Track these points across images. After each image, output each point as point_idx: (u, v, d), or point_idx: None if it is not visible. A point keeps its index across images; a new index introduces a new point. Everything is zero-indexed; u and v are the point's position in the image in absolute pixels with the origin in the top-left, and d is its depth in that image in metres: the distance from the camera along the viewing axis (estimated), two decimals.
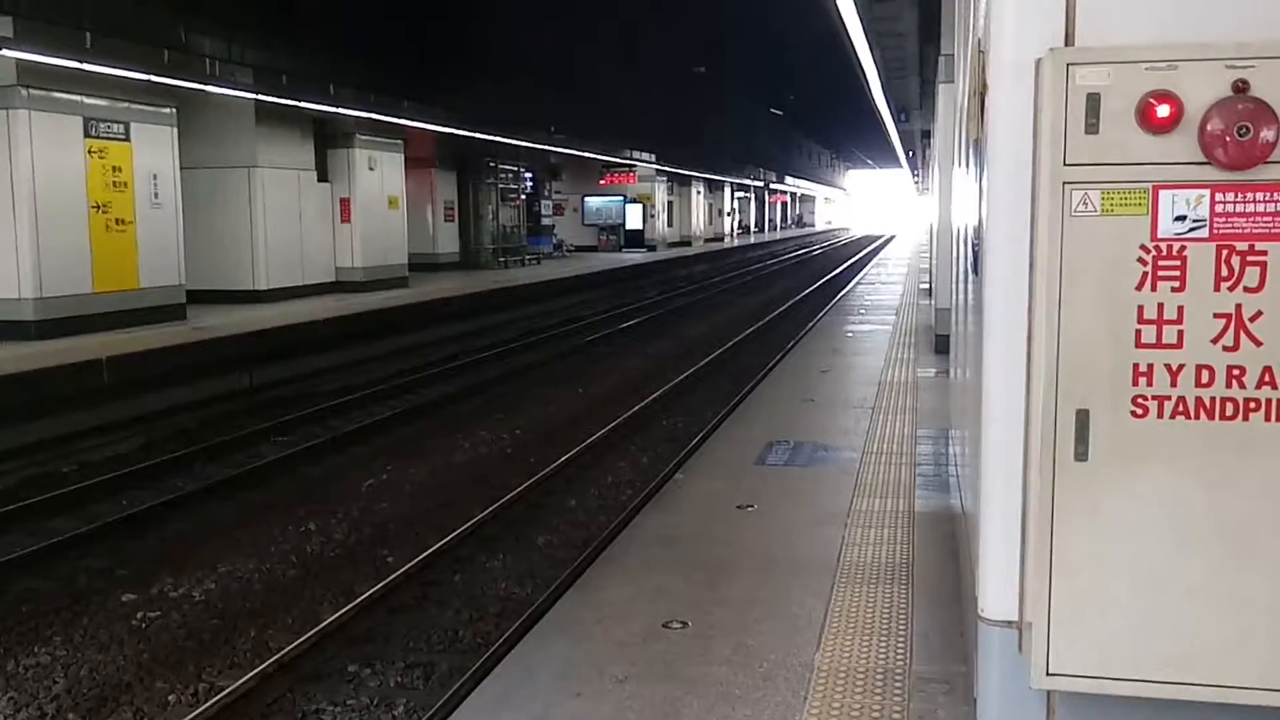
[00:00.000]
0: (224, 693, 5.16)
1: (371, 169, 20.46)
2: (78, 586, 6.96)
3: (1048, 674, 2.80)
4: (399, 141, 21.28)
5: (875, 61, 17.88)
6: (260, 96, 16.61)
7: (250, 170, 17.51)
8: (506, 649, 4.73)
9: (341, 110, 18.37)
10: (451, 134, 22.98)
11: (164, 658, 5.91)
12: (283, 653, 5.59)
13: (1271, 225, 2.57)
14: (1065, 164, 2.66)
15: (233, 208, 17.48)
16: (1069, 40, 2.77)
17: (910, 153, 37.77)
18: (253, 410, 12.17)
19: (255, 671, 5.38)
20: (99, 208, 13.53)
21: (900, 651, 3.92)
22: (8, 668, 5.79)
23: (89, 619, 6.44)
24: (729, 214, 55.42)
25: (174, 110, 14.79)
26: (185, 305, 15.07)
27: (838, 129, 52.07)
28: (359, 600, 6.29)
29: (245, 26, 16.52)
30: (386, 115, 19.66)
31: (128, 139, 13.98)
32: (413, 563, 6.90)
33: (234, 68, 16.35)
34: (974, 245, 3.59)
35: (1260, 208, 2.58)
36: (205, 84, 15.23)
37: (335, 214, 19.84)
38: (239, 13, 16.23)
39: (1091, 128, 2.63)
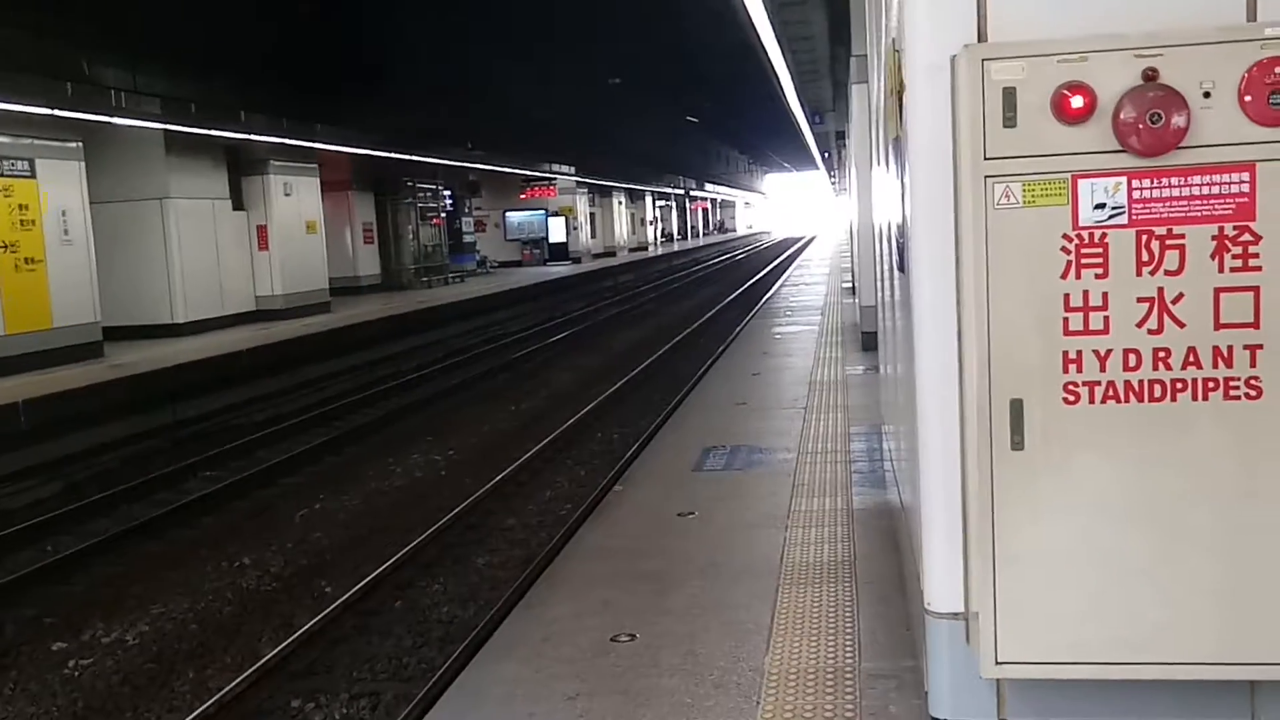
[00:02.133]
0: None
1: (287, 194, 20.13)
2: (5, 637, 6.73)
3: (996, 663, 2.83)
4: (314, 165, 20.99)
5: (787, 65, 18.05)
6: (169, 126, 16.26)
7: (163, 201, 17.12)
8: (453, 674, 4.66)
9: (253, 137, 18.07)
10: (367, 155, 22.74)
11: (100, 705, 5.73)
12: (223, 692, 5.45)
13: (1188, 209, 2.63)
14: (985, 158, 2.70)
15: (147, 240, 17.07)
16: (982, 37, 2.81)
17: (826, 154, 38.21)
18: (177, 446, 11.89)
19: (195, 714, 5.24)
20: (6, 247, 13.11)
21: (849, 649, 3.93)
22: None
23: (18, 670, 6.22)
24: (651, 223, 55.61)
25: (80, 144, 14.40)
26: (102, 343, 14.66)
27: (754, 134, 52.52)
28: (299, 633, 6.16)
29: (150, 56, 16.16)
30: (299, 140, 19.38)
31: (33, 175, 13.56)
32: (351, 592, 6.78)
33: (140, 98, 15.96)
34: (899, 242, 3.62)
35: (1176, 192, 2.63)
36: (111, 116, 14.86)
37: (253, 242, 19.49)
38: (143, 43, 15.87)
39: (1009, 121, 2.67)
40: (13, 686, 6.01)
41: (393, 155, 23.45)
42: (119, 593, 7.40)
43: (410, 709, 5.11)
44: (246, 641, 6.45)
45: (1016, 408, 2.75)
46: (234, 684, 5.52)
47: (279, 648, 5.97)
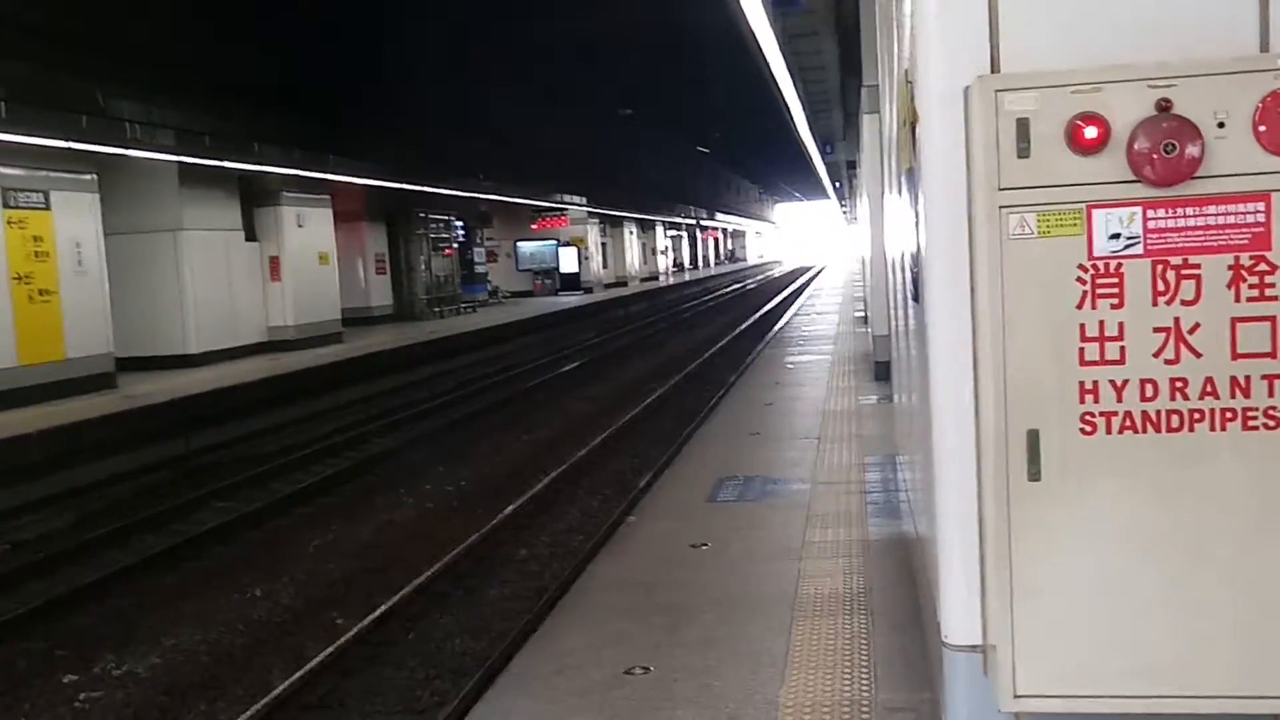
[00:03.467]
0: None
1: (300, 225, 20.24)
2: (16, 670, 6.71)
3: (1015, 696, 2.80)
4: (326, 196, 21.11)
5: (799, 95, 18.15)
6: (182, 158, 16.39)
7: (176, 233, 17.24)
8: (465, 706, 4.63)
9: (266, 168, 18.20)
10: (380, 186, 22.87)
11: None
12: None
13: (1203, 239, 2.62)
14: (1000, 188, 2.70)
15: (160, 271, 17.17)
16: (995, 67, 2.81)
17: (837, 184, 38.31)
18: (190, 477, 11.90)
19: None
20: (21, 279, 13.20)
21: (864, 682, 3.90)
22: None
23: (30, 704, 6.21)
24: (663, 252, 55.73)
25: (95, 176, 14.52)
26: (115, 374, 14.73)
27: (765, 164, 52.79)
28: (310, 665, 6.14)
29: (164, 88, 16.32)
30: (312, 171, 19.52)
31: (48, 207, 13.68)
32: (364, 623, 6.76)
33: (154, 130, 16.12)
34: (913, 272, 3.62)
35: (1191, 222, 2.63)
36: (126, 148, 14.99)
37: (265, 273, 19.59)
38: (157, 74, 16.03)
39: (1023, 152, 2.67)
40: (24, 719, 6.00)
41: (404, 186, 23.59)
42: (130, 625, 7.39)
43: None
44: (259, 674, 6.43)
45: (1033, 438, 2.74)
46: (245, 716, 5.50)
47: (290, 679, 5.94)
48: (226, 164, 17.12)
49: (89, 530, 9.69)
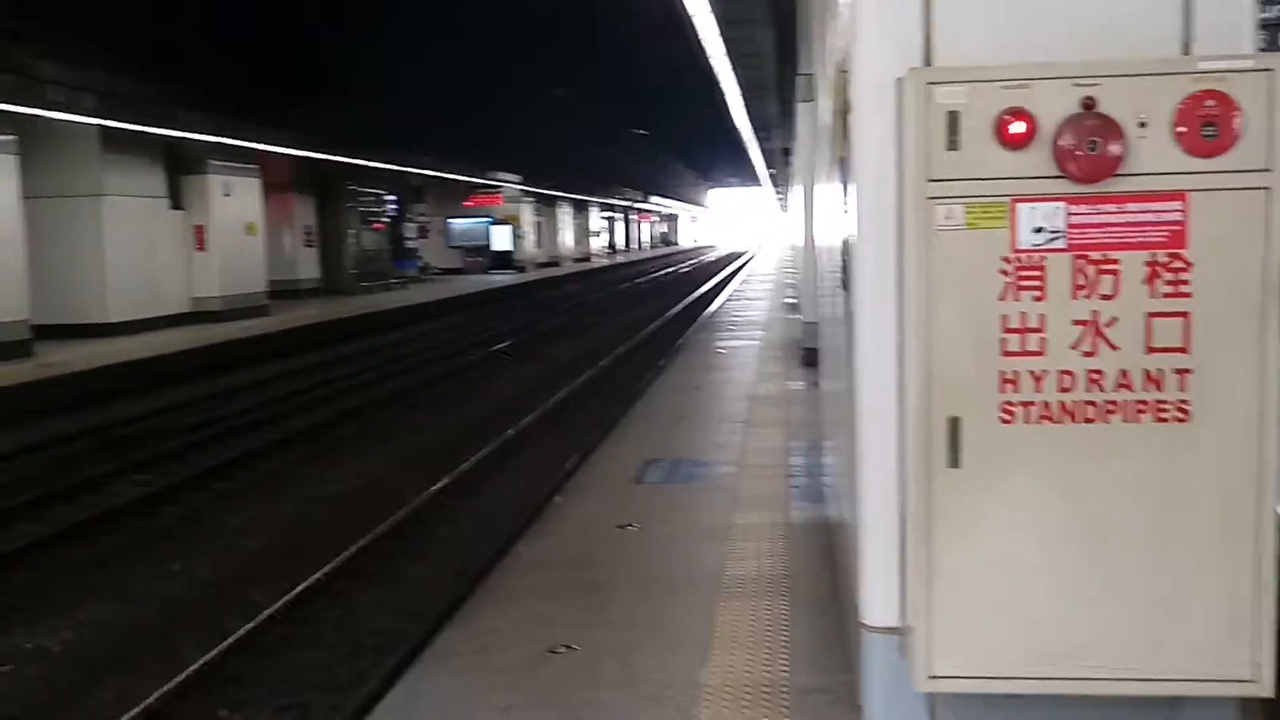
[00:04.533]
0: None
1: (227, 195, 19.87)
2: None
3: (930, 677, 2.86)
4: (254, 167, 20.75)
5: (737, 81, 18.21)
6: (104, 122, 15.97)
7: (98, 199, 16.82)
8: (385, 686, 4.60)
9: (191, 135, 17.82)
10: (309, 158, 22.53)
11: (17, 715, 5.58)
12: (147, 701, 5.33)
13: (1123, 235, 2.69)
14: (929, 180, 2.74)
15: (80, 238, 16.75)
16: (928, 60, 2.86)
17: (772, 170, 38.55)
18: (106, 449, 11.63)
19: None
20: None
21: (784, 663, 3.95)
22: None
23: None
24: (596, 234, 55.66)
25: (15, 138, 14.10)
26: (31, 341, 14.35)
27: (701, 148, 52.87)
28: (227, 642, 6.05)
29: (87, 51, 15.88)
30: (238, 140, 19.15)
31: None
32: (283, 600, 6.68)
33: (78, 93, 15.68)
34: (843, 260, 3.66)
35: (1112, 219, 2.69)
36: (47, 109, 14.58)
37: (191, 242, 19.21)
38: (83, 38, 15.60)
39: (952, 144, 2.72)
40: None
41: (334, 158, 23.25)
42: (42, 599, 7.21)
43: None
44: (174, 650, 6.31)
45: (954, 426, 2.80)
46: (159, 692, 5.41)
47: (206, 656, 5.86)
48: (149, 129, 16.73)
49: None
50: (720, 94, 20.25)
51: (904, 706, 3.05)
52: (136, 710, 5.25)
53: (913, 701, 3.03)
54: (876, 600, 3.08)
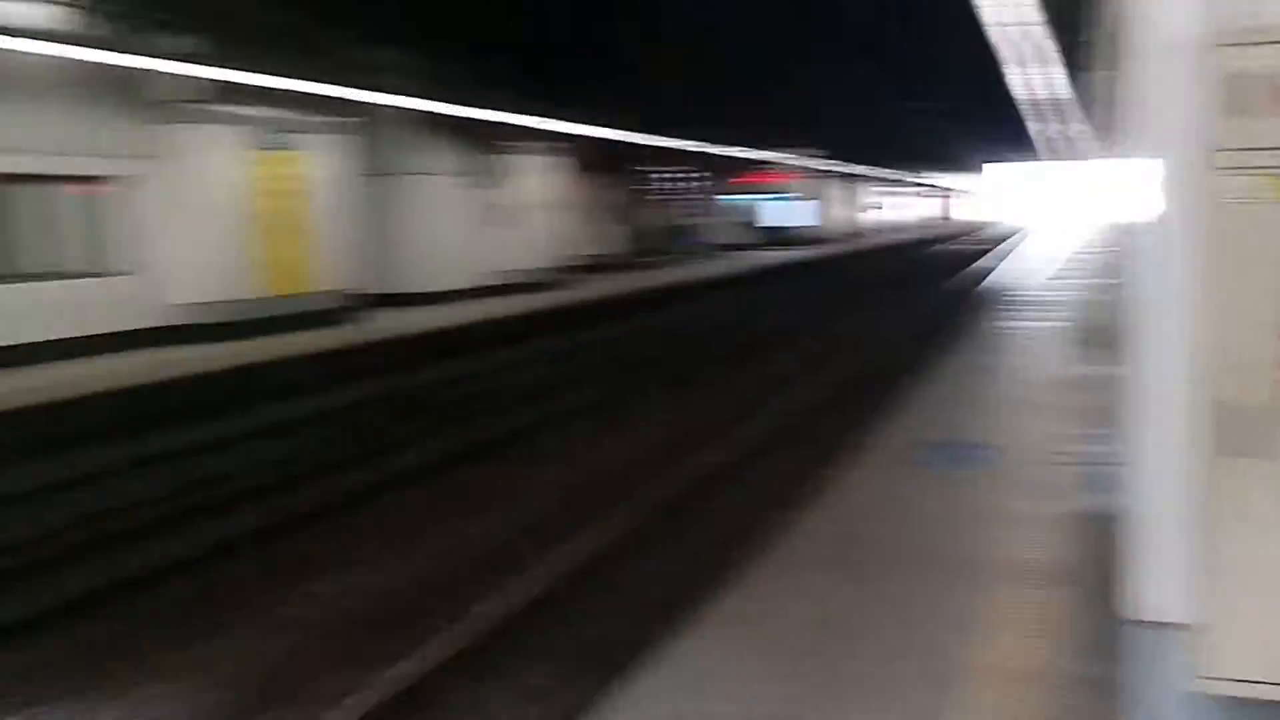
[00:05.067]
0: None
1: (531, 173, 21.16)
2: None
3: (1206, 677, 2.72)
4: (558, 145, 21.87)
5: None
6: (430, 105, 17.20)
7: (423, 177, 18.43)
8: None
9: (502, 118, 18.90)
10: (608, 139, 23.41)
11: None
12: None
13: None
14: (1217, 149, 2.58)
15: (408, 213, 18.39)
16: (1213, 23, 2.67)
17: (1056, 143, 36.39)
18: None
19: None
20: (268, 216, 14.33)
21: (1055, 651, 3.84)
22: None
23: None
24: (879, 208, 54.89)
25: (364, 120, 15.53)
26: (360, 310, 15.80)
27: (986, 123, 50.56)
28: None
29: (415, 39, 17.09)
30: (544, 120, 20.17)
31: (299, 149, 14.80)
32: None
33: (407, 79, 16.90)
34: (1132, 236, 3.49)
35: None
36: (386, 95, 15.90)
37: (499, 218, 20.47)
38: (410, 24, 16.81)
39: (1242, 111, 2.54)
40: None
41: (635, 139, 24.05)
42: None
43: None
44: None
45: (1245, 412, 2.63)
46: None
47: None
48: (465, 113, 17.87)
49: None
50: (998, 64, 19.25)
51: (1175, 705, 2.91)
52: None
53: (1185, 700, 2.88)
54: (1152, 594, 2.94)
